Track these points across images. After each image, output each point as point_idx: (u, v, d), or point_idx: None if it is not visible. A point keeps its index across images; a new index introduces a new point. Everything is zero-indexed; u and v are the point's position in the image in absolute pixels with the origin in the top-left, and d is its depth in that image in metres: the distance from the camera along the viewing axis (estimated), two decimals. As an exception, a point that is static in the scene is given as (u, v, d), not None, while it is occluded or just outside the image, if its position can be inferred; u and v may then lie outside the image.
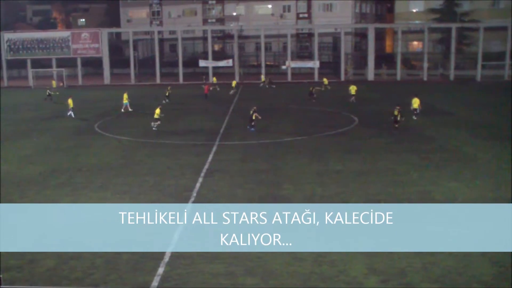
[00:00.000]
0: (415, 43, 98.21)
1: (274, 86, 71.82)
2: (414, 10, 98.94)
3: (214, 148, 32.62)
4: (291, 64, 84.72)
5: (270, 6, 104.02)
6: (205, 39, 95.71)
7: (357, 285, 14.73)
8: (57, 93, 62.84)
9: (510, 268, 15.43)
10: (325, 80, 67.68)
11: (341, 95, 58.46)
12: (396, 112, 37.31)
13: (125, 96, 49.99)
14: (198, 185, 24.52)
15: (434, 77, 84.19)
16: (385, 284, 14.73)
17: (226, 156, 30.65)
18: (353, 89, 54.06)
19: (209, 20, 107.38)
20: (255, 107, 39.32)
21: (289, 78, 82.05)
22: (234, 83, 68.17)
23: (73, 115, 46.58)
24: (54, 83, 75.88)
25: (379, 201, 21.76)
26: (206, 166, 28.00)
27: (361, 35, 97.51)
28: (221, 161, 29.33)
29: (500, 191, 23.21)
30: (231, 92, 63.49)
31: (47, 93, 59.48)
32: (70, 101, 47.21)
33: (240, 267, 15.76)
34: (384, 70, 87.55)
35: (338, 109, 49.28)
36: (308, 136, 36.37)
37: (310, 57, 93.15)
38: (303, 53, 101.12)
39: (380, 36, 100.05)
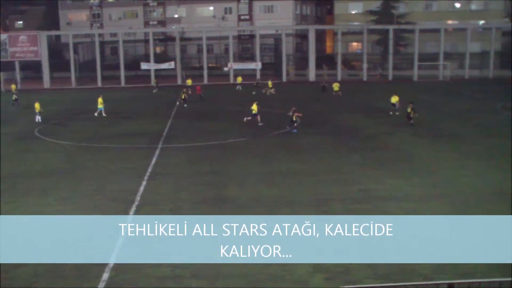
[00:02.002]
0: (355, 44, 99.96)
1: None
2: (353, 12, 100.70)
3: (158, 151, 32.39)
4: (233, 65, 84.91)
5: (211, 8, 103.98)
6: (146, 41, 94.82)
7: (303, 284, 14.85)
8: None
9: (447, 263, 15.91)
10: (270, 83, 67.28)
11: (283, 96, 58.97)
12: (409, 109, 38.17)
13: (100, 100, 47.68)
14: (142, 188, 24.30)
15: (374, 77, 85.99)
16: (330, 281, 14.88)
17: (170, 158, 30.49)
18: (336, 86, 57.61)
19: (151, 22, 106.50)
20: (294, 108, 39.12)
21: (231, 80, 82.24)
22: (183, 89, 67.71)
23: (40, 120, 44.91)
24: (14, 86, 71.99)
25: (325, 200, 22.08)
26: (150, 169, 27.77)
27: (302, 37, 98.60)
28: (165, 164, 29.16)
29: (439, 188, 23.92)
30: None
31: (14, 98, 56.18)
32: (37, 105, 45.55)
33: (187, 270, 15.68)
34: (325, 71, 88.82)
35: (281, 109, 49.53)
36: (253, 137, 36.54)
37: (252, 58, 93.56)
38: (245, 55, 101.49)
39: (320, 37, 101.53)
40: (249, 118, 40.81)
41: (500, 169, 27.25)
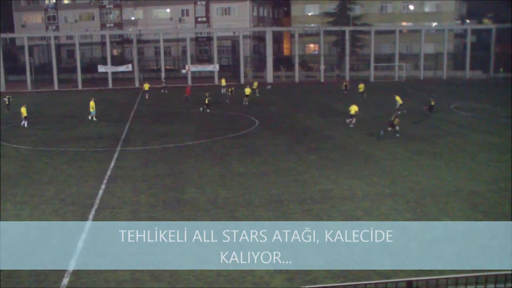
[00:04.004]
0: (312, 45, 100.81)
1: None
2: (310, 14, 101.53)
3: (116, 154, 32.18)
4: (190, 68, 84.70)
5: (168, 10, 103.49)
6: (103, 44, 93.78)
7: (263, 285, 14.99)
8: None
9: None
10: (231, 89, 65.14)
11: (240, 98, 59.13)
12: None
13: (92, 104, 46.56)
14: (101, 192, 24.13)
15: (331, 79, 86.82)
16: (290, 282, 15.06)
17: (129, 161, 30.32)
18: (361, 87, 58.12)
19: (107, 25, 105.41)
20: (396, 114, 38.19)
21: (189, 82, 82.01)
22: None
23: (26, 125, 43.87)
24: None
25: (282, 201, 22.34)
26: (109, 173, 27.59)
27: (259, 38, 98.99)
28: (124, 167, 28.99)
29: (396, 187, 24.42)
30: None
31: (6, 102, 53.83)
32: (23, 109, 44.52)
33: (146, 273, 15.70)
34: (282, 72, 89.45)
35: (238, 112, 49.85)
36: (210, 139, 36.63)
37: (209, 60, 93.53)
38: (202, 57, 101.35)
39: (278, 39, 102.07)
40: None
41: (453, 167, 28.03)
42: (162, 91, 70.06)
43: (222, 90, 66.91)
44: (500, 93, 63.81)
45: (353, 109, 40.34)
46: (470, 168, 27.91)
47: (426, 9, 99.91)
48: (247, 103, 52.87)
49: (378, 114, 46.58)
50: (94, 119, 46.00)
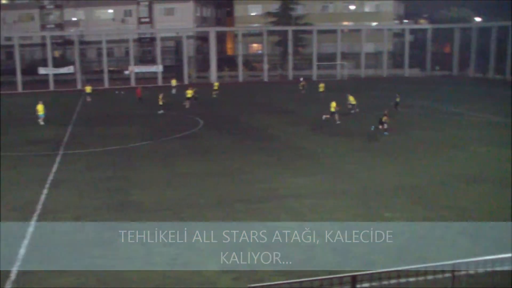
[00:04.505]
0: (255, 45, 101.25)
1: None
2: (253, 14, 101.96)
3: (59, 158, 31.61)
4: (134, 69, 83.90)
5: (111, 11, 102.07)
6: (44, 45, 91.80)
7: (210, 285, 15.03)
8: None
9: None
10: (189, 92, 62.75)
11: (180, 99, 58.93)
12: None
13: (40, 107, 45.07)
14: (43, 197, 23.66)
15: (274, 78, 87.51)
16: (237, 281, 15.14)
17: (72, 165, 29.79)
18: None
19: (48, 26, 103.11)
20: (385, 111, 38.09)
21: (133, 83, 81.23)
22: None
23: (41, 122, 43.79)
24: None
25: (228, 201, 22.45)
26: (51, 177, 27.07)
27: (202, 39, 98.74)
28: (67, 170, 28.49)
29: (340, 184, 24.88)
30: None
31: None
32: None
33: (92, 277, 15.50)
34: (226, 72, 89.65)
35: (182, 112, 49.64)
36: (154, 141, 36.42)
37: (153, 61, 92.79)
38: (146, 58, 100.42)
39: (221, 39, 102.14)
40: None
41: (395, 163, 28.79)
42: (117, 92, 68.95)
43: (173, 91, 66.51)
44: (436, 90, 65.63)
45: (333, 106, 41.12)
46: (411, 164, 28.70)
47: (366, 9, 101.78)
48: (187, 106, 52.19)
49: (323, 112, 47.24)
50: (41, 122, 44.87)
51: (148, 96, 59.69)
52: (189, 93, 52.52)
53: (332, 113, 40.99)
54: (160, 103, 49.34)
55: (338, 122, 40.92)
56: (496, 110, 46.88)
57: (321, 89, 59.13)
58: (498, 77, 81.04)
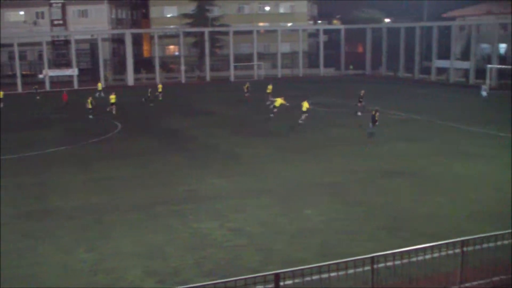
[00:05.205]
0: (172, 47, 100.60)
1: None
2: (169, 15, 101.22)
3: (-30, 167, 30.49)
4: (48, 72, 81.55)
5: (22, 12, 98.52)
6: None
7: (135, 289, 15.04)
8: None
9: (272, 253, 17.07)
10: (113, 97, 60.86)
11: (105, 102, 57.95)
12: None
13: None
14: (-45, 207, 22.84)
15: (192, 79, 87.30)
16: (161, 284, 15.19)
17: (-15, 174, 28.85)
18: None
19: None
20: (377, 107, 37.94)
21: (48, 87, 78.92)
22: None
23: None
24: None
25: (150, 203, 22.37)
26: (-37, 187, 26.12)
27: (118, 41, 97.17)
28: (-20, 179, 27.54)
29: (261, 183, 25.32)
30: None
31: None
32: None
33: (10, 285, 15.24)
34: (143, 75, 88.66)
35: (99, 116, 48.59)
36: (73, 146, 35.63)
37: (68, 64, 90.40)
38: (60, 61, 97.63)
39: (137, 41, 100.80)
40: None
41: (314, 161, 29.57)
42: (38, 97, 66.44)
43: (98, 94, 64.97)
44: (351, 88, 67.34)
45: (305, 105, 41.49)
46: (329, 161, 29.54)
47: (281, 10, 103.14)
48: (114, 111, 50.03)
49: (246, 113, 47.74)
50: None
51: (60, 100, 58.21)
52: (113, 98, 50.93)
53: (303, 112, 41.63)
54: (89, 106, 48.25)
55: (300, 121, 41.38)
56: (406, 107, 48.72)
57: (268, 91, 58.35)
58: (407, 75, 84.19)
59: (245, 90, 61.45)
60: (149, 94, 57.67)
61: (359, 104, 46.96)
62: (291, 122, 41.82)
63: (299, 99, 49.71)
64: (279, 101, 44.27)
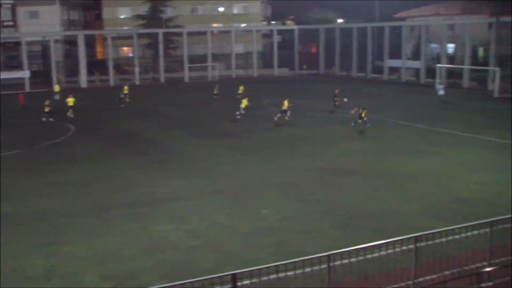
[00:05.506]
0: (126, 48, 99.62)
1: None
2: (122, 17, 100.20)
3: None
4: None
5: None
6: None
7: (92, 294, 14.98)
8: None
9: (229, 254, 17.17)
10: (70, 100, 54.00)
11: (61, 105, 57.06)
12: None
13: None
14: None
15: (146, 81, 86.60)
16: (119, 288, 15.16)
17: None
18: (70, 101, 51.21)
19: None
20: (364, 106, 38.98)
21: (-3, 90, 77.04)
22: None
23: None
24: None
25: (106, 207, 22.20)
26: None
27: (71, 43, 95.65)
28: None
29: (216, 184, 25.41)
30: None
31: None
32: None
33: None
34: (97, 77, 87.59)
35: (56, 118, 47.56)
36: (24, 149, 34.95)
37: (19, 67, 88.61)
38: (11, 63, 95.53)
39: (90, 42, 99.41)
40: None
41: (267, 161, 29.84)
42: None
43: (55, 96, 63.59)
44: (305, 88, 68.01)
45: (285, 104, 41.58)
46: (285, 160, 29.83)
47: (235, 11, 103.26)
48: (72, 115, 48.34)
49: (204, 115, 47.71)
50: None
51: (13, 105, 57.04)
52: (70, 101, 49.80)
53: (284, 111, 41.72)
54: (46, 110, 47.27)
55: (286, 118, 41.59)
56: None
57: (240, 92, 57.56)
58: (360, 75, 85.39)
59: (215, 92, 61.29)
60: (121, 96, 56.94)
61: (337, 103, 47.97)
62: (246, 123, 42.03)
63: (256, 100, 50.09)
64: (244, 102, 44.57)
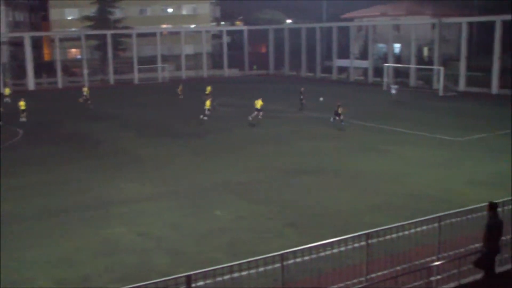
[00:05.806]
0: (74, 50, 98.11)
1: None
2: (70, 18, 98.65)
3: None
4: None
5: None
6: None
7: (44, 298, 14.83)
8: None
9: (183, 256, 17.22)
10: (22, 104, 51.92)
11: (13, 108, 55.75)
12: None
13: None
14: None
15: (95, 83, 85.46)
16: (71, 292, 15.04)
17: None
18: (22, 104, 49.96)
19: None
20: (339, 103, 39.71)
21: None
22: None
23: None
24: None
25: (58, 212, 21.90)
26: None
27: (17, 44, 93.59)
28: None
29: (170, 186, 25.43)
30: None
31: None
32: (22, 103, 46.76)
33: None
34: (44, 79, 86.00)
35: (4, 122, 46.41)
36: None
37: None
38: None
39: (37, 44, 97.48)
40: None
41: (221, 161, 29.99)
42: None
43: (6, 99, 61.82)
44: (255, 89, 68.21)
45: (259, 103, 41.76)
46: (235, 161, 30.02)
47: (184, 12, 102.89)
48: (25, 118, 47.17)
49: (157, 116, 47.37)
50: None
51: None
52: (22, 105, 48.44)
53: (258, 110, 41.80)
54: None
55: (260, 117, 41.91)
56: (310, 106, 49.88)
57: (207, 91, 56.95)
58: (309, 74, 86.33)
59: (179, 93, 60.87)
60: (86, 96, 55.90)
61: (303, 101, 48.73)
62: (199, 123, 42.03)
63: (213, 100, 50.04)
64: (208, 103, 44.46)
